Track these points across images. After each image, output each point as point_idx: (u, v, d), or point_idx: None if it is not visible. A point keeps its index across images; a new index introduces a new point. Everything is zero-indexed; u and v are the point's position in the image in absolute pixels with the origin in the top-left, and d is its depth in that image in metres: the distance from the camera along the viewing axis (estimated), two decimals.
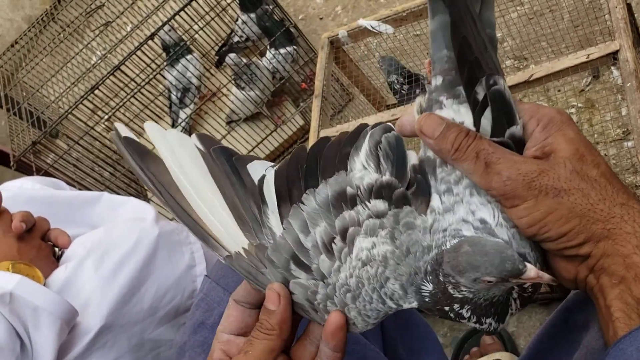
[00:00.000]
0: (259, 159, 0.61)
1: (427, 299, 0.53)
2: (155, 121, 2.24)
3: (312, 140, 1.51)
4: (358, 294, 0.55)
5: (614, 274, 0.49)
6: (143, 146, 0.60)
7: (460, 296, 0.51)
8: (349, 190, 0.56)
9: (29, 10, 3.28)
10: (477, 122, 0.55)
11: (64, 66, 2.09)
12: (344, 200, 0.56)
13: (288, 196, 0.58)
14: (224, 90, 2.10)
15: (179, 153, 0.60)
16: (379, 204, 0.55)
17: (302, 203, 0.57)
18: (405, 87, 1.63)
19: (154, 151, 0.60)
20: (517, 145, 0.55)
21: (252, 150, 2.04)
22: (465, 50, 0.54)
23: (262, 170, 0.60)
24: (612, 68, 1.61)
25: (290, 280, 0.56)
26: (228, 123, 2.10)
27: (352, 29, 1.60)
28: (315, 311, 0.56)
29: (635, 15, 1.39)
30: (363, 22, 1.57)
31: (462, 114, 0.56)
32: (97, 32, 2.15)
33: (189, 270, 1.16)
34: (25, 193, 1.30)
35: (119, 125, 0.60)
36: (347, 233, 0.55)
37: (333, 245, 0.55)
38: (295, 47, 1.99)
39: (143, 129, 0.62)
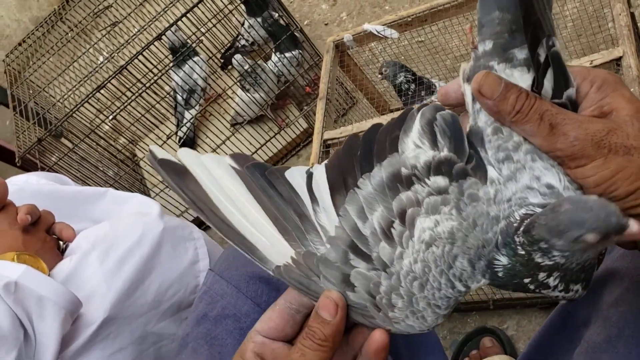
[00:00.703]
0: (291, 167, 0.60)
1: (500, 274, 0.51)
2: (160, 123, 2.26)
3: (315, 142, 1.52)
4: (425, 281, 0.52)
5: None
6: (180, 166, 0.59)
7: (550, 263, 0.49)
8: (404, 170, 0.54)
9: (36, 11, 3.30)
10: (540, 85, 0.53)
11: (70, 65, 2.10)
12: (399, 182, 0.54)
13: (343, 186, 0.56)
14: (229, 92, 2.11)
15: (215, 173, 0.59)
16: (439, 180, 0.53)
17: (358, 187, 0.55)
18: (412, 86, 1.64)
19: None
20: (573, 107, 0.53)
21: (255, 152, 2.05)
22: (530, 10, 0.53)
23: (300, 175, 0.58)
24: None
25: (349, 273, 0.54)
26: (232, 125, 2.12)
27: (358, 33, 1.61)
28: (378, 309, 0.54)
29: (639, 24, 1.40)
30: (368, 26, 1.59)
31: (515, 79, 0.54)
32: (104, 32, 2.16)
33: (193, 266, 1.17)
34: (30, 187, 1.31)
35: (154, 148, 0.60)
36: (406, 215, 0.53)
37: (392, 230, 0.53)
38: (300, 51, 2.01)
39: (156, 140, 0.62)
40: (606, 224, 0.46)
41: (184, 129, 2.14)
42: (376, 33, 1.58)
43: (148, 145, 2.07)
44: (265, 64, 2.01)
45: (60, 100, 2.07)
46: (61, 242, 1.19)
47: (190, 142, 2.20)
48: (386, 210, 0.53)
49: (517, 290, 0.52)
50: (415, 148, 0.55)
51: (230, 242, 0.58)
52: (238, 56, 1.93)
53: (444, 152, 0.54)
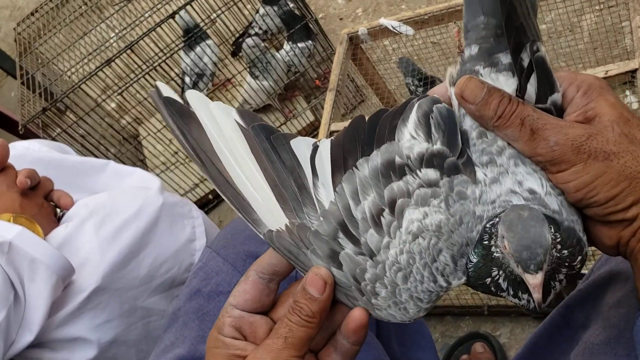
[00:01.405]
0: (298, 136, 0.59)
1: (471, 273, 0.52)
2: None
3: (322, 133, 1.51)
4: (409, 273, 0.52)
5: None
6: (186, 108, 0.57)
7: (498, 255, 0.50)
8: (398, 159, 0.54)
9: None
10: (523, 89, 0.54)
11: (80, 39, 2.09)
12: (392, 170, 0.54)
13: (343, 165, 0.56)
14: (239, 79, 2.10)
15: (222, 124, 0.57)
16: (430, 173, 0.53)
17: (357, 168, 0.55)
18: (420, 89, 1.63)
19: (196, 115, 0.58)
20: (558, 112, 0.54)
21: None
22: (512, 16, 0.53)
23: (306, 146, 0.58)
24: (628, 92, 1.61)
25: (338, 251, 0.54)
26: None
27: (373, 27, 1.60)
28: (362, 293, 0.53)
29: None
30: (384, 21, 1.58)
31: (500, 83, 0.55)
32: (117, 8, 2.15)
33: (189, 244, 1.16)
34: (32, 154, 1.30)
35: (160, 84, 0.58)
36: (396, 205, 0.53)
37: (382, 218, 0.53)
38: (312, 42, 2.00)
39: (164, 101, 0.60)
40: (519, 249, 0.47)
41: None
42: (391, 28, 1.56)
43: (153, 126, 2.07)
44: (276, 53, 2.00)
45: (67, 74, 2.05)
46: (58, 210, 1.18)
47: None
48: (378, 197, 0.53)
49: (487, 293, 0.52)
50: (410, 139, 0.54)
51: (225, 197, 0.57)
52: (249, 40, 1.91)
53: (437, 145, 0.54)
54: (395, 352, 1.03)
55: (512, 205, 0.50)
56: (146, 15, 2.06)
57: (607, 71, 1.26)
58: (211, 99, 0.65)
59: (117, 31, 2.17)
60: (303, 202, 0.55)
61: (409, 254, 0.52)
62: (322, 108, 1.58)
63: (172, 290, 1.13)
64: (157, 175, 1.97)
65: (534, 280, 0.47)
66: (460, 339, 1.48)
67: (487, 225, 0.51)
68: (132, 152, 2.08)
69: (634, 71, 1.23)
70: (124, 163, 2.02)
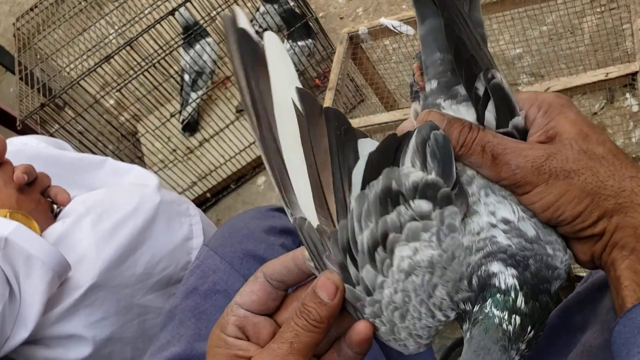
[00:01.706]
0: (368, 136, 0.56)
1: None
2: (160, 105, 2.24)
3: None
4: (406, 311, 0.51)
5: (625, 246, 0.49)
6: (260, 52, 0.52)
7: None
8: (394, 186, 0.52)
9: None
10: (481, 117, 0.54)
11: (79, 35, 2.09)
12: (389, 197, 0.52)
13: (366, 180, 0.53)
14: None
15: (283, 91, 0.54)
16: (423, 205, 0.51)
17: (369, 190, 0.52)
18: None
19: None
20: (521, 135, 0.54)
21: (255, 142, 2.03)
22: (461, 49, 0.54)
23: (371, 149, 0.55)
24: (628, 94, 1.61)
25: (343, 273, 0.52)
26: (238, 111, 2.10)
27: (373, 27, 1.60)
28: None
29: None
30: (385, 20, 1.57)
31: (461, 114, 0.55)
32: (116, 4, 2.14)
33: (186, 242, 1.15)
34: (29, 150, 1.29)
35: (239, 12, 0.52)
36: (387, 240, 0.51)
37: (376, 254, 0.51)
38: (312, 41, 1.99)
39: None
40: None
41: (189, 109, 2.12)
42: (392, 28, 1.56)
43: (151, 123, 2.06)
44: None
45: (66, 70, 2.05)
46: (55, 206, 1.18)
47: (194, 123, 2.19)
48: (375, 228, 0.51)
49: None
50: (410, 165, 0.53)
51: (269, 165, 0.54)
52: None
53: (432, 175, 0.52)
54: (392, 353, 1.02)
55: (479, 330, 0.49)
56: (146, 12, 2.06)
57: (607, 73, 1.25)
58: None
59: (116, 28, 2.16)
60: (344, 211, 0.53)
61: (404, 293, 0.50)
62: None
63: (169, 288, 1.12)
64: (155, 172, 1.96)
65: None
66: (458, 341, 1.47)
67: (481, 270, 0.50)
68: (130, 149, 2.08)
69: (635, 74, 1.22)
70: (122, 160, 2.02)
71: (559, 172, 0.51)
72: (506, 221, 0.51)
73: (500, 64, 1.78)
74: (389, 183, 0.52)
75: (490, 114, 0.54)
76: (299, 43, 1.98)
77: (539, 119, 0.54)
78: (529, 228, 0.51)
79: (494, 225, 0.51)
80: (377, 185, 0.52)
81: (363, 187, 0.53)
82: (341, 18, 2.32)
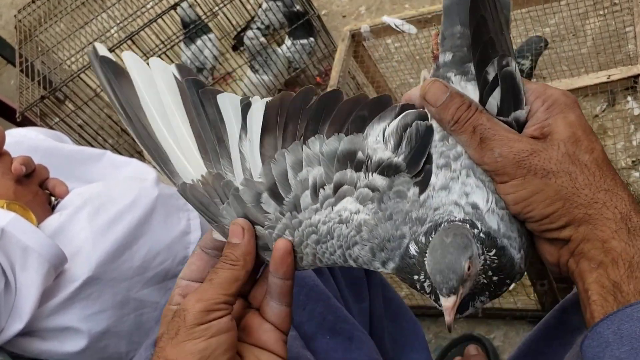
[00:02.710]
0: (225, 92, 0.62)
1: (408, 260, 0.53)
2: None
3: None
4: (324, 242, 0.56)
5: (592, 258, 0.50)
6: (120, 67, 0.61)
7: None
8: (360, 155, 0.56)
9: None
10: (484, 102, 0.55)
11: (80, 28, 2.08)
12: (350, 160, 0.56)
13: (282, 129, 0.59)
14: (239, 73, 2.09)
15: (157, 79, 0.61)
16: (378, 180, 0.55)
17: (306, 144, 0.58)
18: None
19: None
20: (520, 128, 0.55)
21: None
22: (482, 29, 0.54)
23: (231, 102, 0.61)
24: (629, 97, 1.60)
25: (249, 216, 0.58)
26: None
27: (375, 25, 1.60)
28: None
29: None
30: (387, 19, 1.57)
31: (468, 91, 0.56)
32: None
33: (183, 237, 1.15)
34: (28, 142, 1.29)
35: (98, 45, 0.62)
36: (340, 188, 0.56)
37: (321, 190, 0.56)
38: (314, 39, 1.99)
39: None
40: (433, 272, 0.50)
41: None
42: (394, 27, 1.56)
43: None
44: (277, 48, 1.99)
45: (67, 63, 2.04)
46: (53, 198, 1.17)
47: None
48: (325, 175, 0.57)
49: (410, 287, 0.55)
50: (380, 141, 0.56)
51: (146, 149, 0.60)
52: (250, 32, 1.90)
53: (398, 159, 0.55)
54: (388, 352, 1.02)
55: (444, 227, 0.52)
56: (148, 6, 2.05)
57: (609, 76, 1.25)
58: None
59: (118, 21, 2.16)
60: (220, 154, 0.59)
61: (329, 230, 0.56)
62: None
63: (166, 282, 1.12)
64: (154, 167, 1.96)
65: (445, 303, 0.49)
66: (454, 341, 1.47)
67: (429, 230, 0.52)
68: (129, 144, 2.07)
69: (637, 76, 1.23)
70: (122, 154, 2.01)
71: (538, 170, 0.51)
72: (475, 206, 0.53)
73: None
74: (353, 148, 0.56)
75: (494, 101, 0.55)
76: (300, 41, 1.97)
77: (540, 113, 0.54)
78: (493, 222, 0.53)
79: (458, 204, 0.53)
80: (331, 145, 0.57)
81: (264, 128, 0.59)
82: (344, 16, 2.32)
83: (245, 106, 0.61)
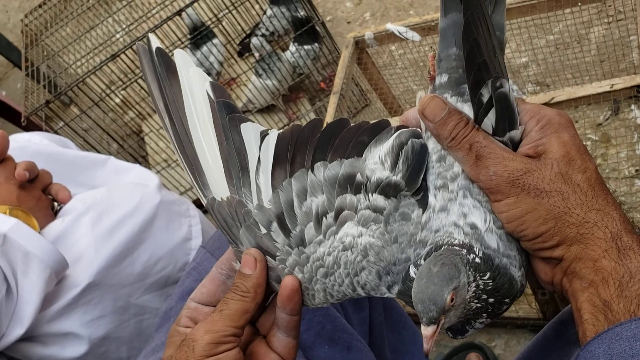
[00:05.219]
0: (252, 121, 0.63)
1: (409, 284, 0.53)
2: None
3: None
4: (331, 273, 0.57)
5: (584, 277, 0.51)
6: (173, 63, 0.61)
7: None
8: (359, 177, 0.57)
9: None
10: (479, 122, 0.55)
11: (86, 32, 2.09)
12: (350, 184, 0.57)
13: (290, 160, 0.60)
14: (243, 78, 2.10)
15: (195, 89, 0.61)
16: (379, 200, 0.56)
17: (312, 170, 0.59)
18: None
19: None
20: (515, 147, 0.56)
21: None
22: (475, 52, 0.55)
23: (254, 133, 0.62)
24: (633, 106, 1.60)
25: (261, 246, 0.58)
26: (243, 112, 2.10)
27: (379, 32, 1.60)
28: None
29: None
30: (391, 26, 1.57)
31: (465, 113, 0.56)
32: (124, 2, 2.15)
33: (185, 243, 1.15)
34: (32, 147, 1.30)
35: (153, 36, 0.61)
36: (341, 214, 0.57)
37: (324, 219, 0.57)
38: (319, 45, 1.99)
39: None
40: (415, 301, 0.50)
41: None
42: (398, 34, 1.56)
43: (156, 122, 2.06)
44: (282, 53, 1.99)
45: (73, 67, 2.05)
46: (56, 204, 1.18)
47: None
48: (327, 201, 0.57)
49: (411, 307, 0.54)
50: (377, 162, 0.57)
51: (182, 155, 0.61)
52: (255, 39, 1.91)
53: (397, 178, 0.56)
54: (386, 355, 1.02)
55: (435, 255, 0.52)
56: (154, 11, 2.06)
57: (612, 85, 1.25)
58: None
59: (124, 26, 2.17)
60: (243, 182, 0.60)
61: (335, 260, 0.57)
62: (326, 111, 1.57)
63: (166, 289, 1.12)
64: (158, 172, 1.97)
65: (424, 332, 0.50)
66: (455, 349, 1.47)
67: (429, 253, 0.53)
68: (134, 149, 2.08)
69: None
70: (126, 159, 2.02)
71: (531, 189, 0.52)
72: (473, 226, 0.53)
73: None
74: (352, 171, 0.57)
75: (489, 122, 0.55)
76: (305, 46, 1.97)
77: (534, 133, 0.55)
78: (492, 241, 0.53)
79: (457, 226, 0.54)
80: (332, 169, 0.58)
81: (275, 160, 0.60)
82: (348, 22, 2.32)
83: (263, 138, 0.61)
